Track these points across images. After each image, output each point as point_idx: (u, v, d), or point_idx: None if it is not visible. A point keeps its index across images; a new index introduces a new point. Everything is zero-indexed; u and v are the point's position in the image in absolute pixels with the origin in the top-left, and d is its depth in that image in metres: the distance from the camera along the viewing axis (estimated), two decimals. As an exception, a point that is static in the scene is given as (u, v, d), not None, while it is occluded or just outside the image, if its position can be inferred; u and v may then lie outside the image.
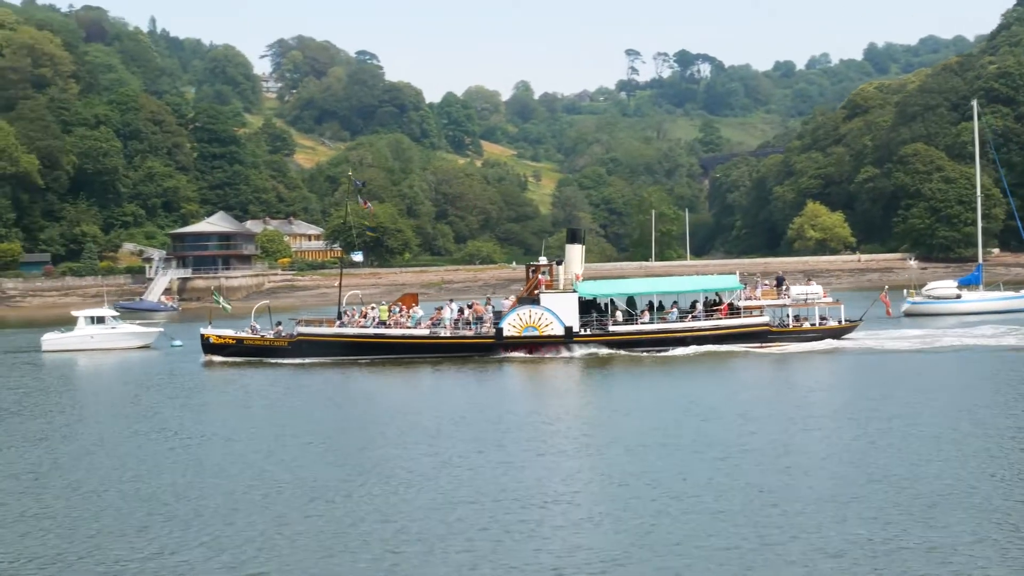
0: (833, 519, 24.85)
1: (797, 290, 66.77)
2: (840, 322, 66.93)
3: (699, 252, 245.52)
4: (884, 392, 44.70)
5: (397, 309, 65.50)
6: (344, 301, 70.97)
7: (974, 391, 44.31)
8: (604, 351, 62.41)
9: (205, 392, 52.60)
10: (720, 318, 64.39)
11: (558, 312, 62.82)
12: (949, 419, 37.24)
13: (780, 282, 67.90)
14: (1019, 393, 43.29)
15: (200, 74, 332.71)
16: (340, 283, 78.09)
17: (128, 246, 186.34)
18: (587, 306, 64.40)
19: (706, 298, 66.09)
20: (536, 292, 64.35)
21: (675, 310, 65.61)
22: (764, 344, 63.73)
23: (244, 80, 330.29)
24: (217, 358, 65.06)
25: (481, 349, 62.80)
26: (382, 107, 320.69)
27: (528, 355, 62.16)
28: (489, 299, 69.94)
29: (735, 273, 71.48)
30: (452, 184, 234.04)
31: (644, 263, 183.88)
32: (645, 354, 61.38)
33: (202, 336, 66.96)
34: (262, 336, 66.24)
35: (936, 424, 36.33)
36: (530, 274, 66.94)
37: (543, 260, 67.49)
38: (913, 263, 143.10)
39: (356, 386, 53.89)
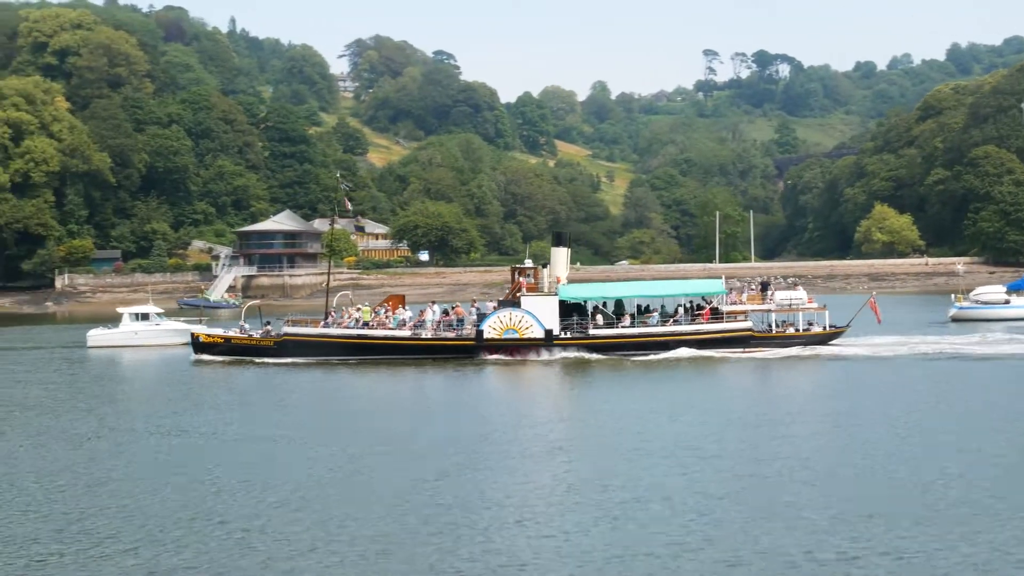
0: (763, 529, 25.01)
1: (781, 295, 66.55)
2: (825, 328, 66.45)
3: (771, 254, 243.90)
4: (851, 400, 44.70)
5: (383, 310, 66.31)
6: (335, 301, 72.16)
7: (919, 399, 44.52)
8: (584, 354, 62.71)
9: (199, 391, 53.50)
10: (702, 322, 64.49)
11: (538, 315, 63.24)
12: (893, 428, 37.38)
13: (765, 287, 67.81)
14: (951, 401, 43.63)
15: (278, 74, 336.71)
16: (328, 283, 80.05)
17: (198, 243, 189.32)
18: (570, 309, 64.79)
19: (691, 302, 66.35)
20: (517, 295, 64.96)
21: (655, 314, 65.76)
22: (747, 349, 63.56)
23: (320, 80, 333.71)
24: (206, 357, 66.57)
25: (462, 351, 63.48)
26: (456, 107, 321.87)
27: (508, 357, 62.67)
28: (475, 301, 70.52)
29: (721, 278, 71.14)
30: (521, 184, 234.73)
31: (708, 265, 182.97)
32: (621, 358, 61.80)
33: (192, 335, 68.79)
34: (249, 336, 67.48)
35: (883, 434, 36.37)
36: (515, 277, 67.35)
37: (528, 263, 68.02)
38: (960, 267, 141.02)
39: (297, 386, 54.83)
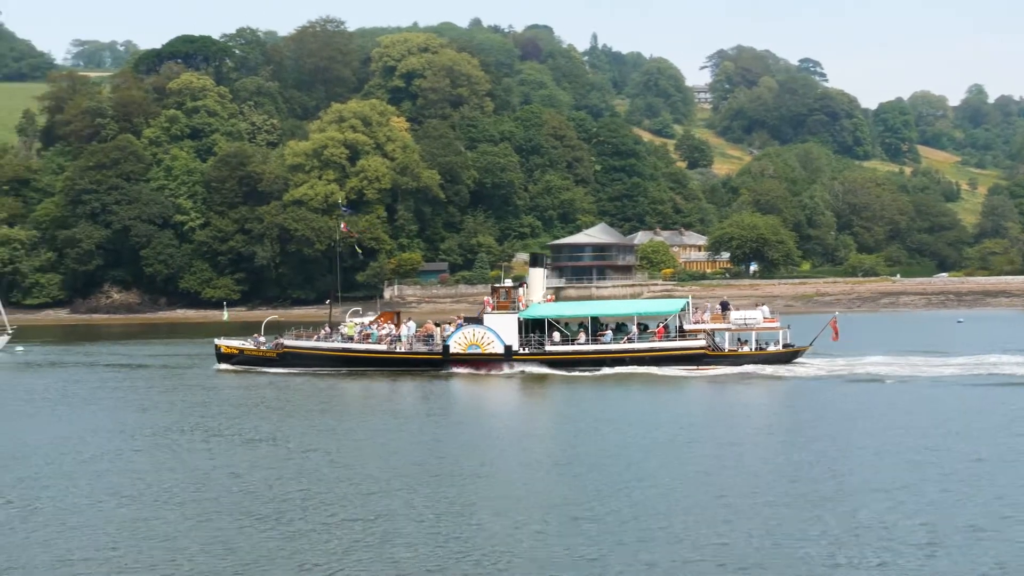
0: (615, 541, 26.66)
1: (736, 315, 68.19)
2: (781, 347, 67.75)
3: None
4: (759, 421, 46.54)
5: (373, 326, 70.85)
6: (347, 316, 77.15)
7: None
8: (542, 369, 66.21)
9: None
10: (655, 340, 67.02)
11: (499, 332, 67.49)
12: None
13: (725, 307, 69.51)
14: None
15: (634, 87, 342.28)
16: (332, 297, 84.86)
17: (521, 256, 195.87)
18: (533, 326, 68.43)
19: (665, 320, 68.80)
20: (482, 312, 69.44)
21: (609, 332, 68.28)
22: (700, 367, 65.26)
23: (675, 92, 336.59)
24: (225, 366, 72.85)
25: (431, 364, 68.15)
26: (812, 115, 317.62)
27: (472, 370, 66.87)
28: (460, 316, 74.81)
29: (688, 297, 74.02)
30: (858, 194, 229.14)
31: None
32: (572, 373, 65.25)
33: (216, 346, 74.91)
34: (257, 348, 73.41)
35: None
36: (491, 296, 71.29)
37: (508, 283, 72.41)
38: None
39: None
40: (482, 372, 66.76)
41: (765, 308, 70.78)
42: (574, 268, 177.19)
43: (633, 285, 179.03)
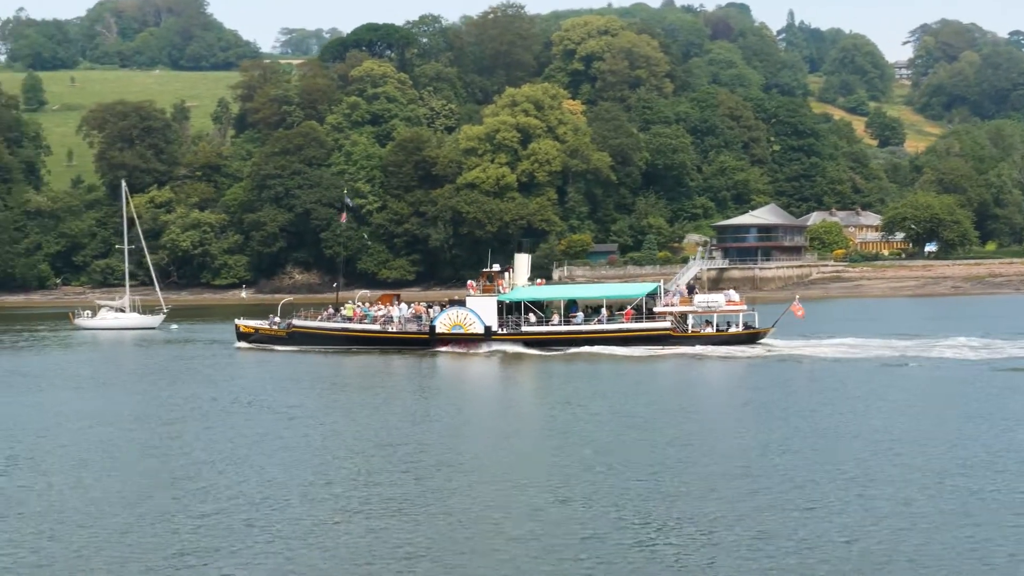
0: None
1: (699, 299, 72.72)
2: (742, 328, 71.17)
3: None
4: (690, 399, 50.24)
5: (372, 308, 76.79)
6: (356, 298, 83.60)
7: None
8: (518, 348, 70.67)
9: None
10: (623, 322, 71.06)
11: (480, 313, 72.43)
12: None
13: (691, 290, 75.95)
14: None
15: (830, 64, 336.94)
16: (339, 280, 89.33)
17: (693, 236, 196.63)
18: (512, 308, 73.03)
19: (643, 302, 72.81)
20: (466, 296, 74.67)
21: (580, 314, 72.66)
22: (665, 346, 69.33)
23: (872, 68, 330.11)
24: (243, 344, 78.82)
25: (418, 343, 73.41)
26: (1016, 90, 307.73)
27: (455, 349, 71.84)
28: (452, 299, 79.36)
29: (659, 281, 78.33)
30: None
31: None
32: (541, 352, 69.60)
33: (236, 326, 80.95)
34: (270, 327, 78.94)
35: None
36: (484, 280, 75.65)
37: (496, 267, 76.29)
38: None
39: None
40: (462, 351, 71.33)
41: (732, 292, 74.67)
42: (739, 249, 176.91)
43: (801, 266, 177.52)
